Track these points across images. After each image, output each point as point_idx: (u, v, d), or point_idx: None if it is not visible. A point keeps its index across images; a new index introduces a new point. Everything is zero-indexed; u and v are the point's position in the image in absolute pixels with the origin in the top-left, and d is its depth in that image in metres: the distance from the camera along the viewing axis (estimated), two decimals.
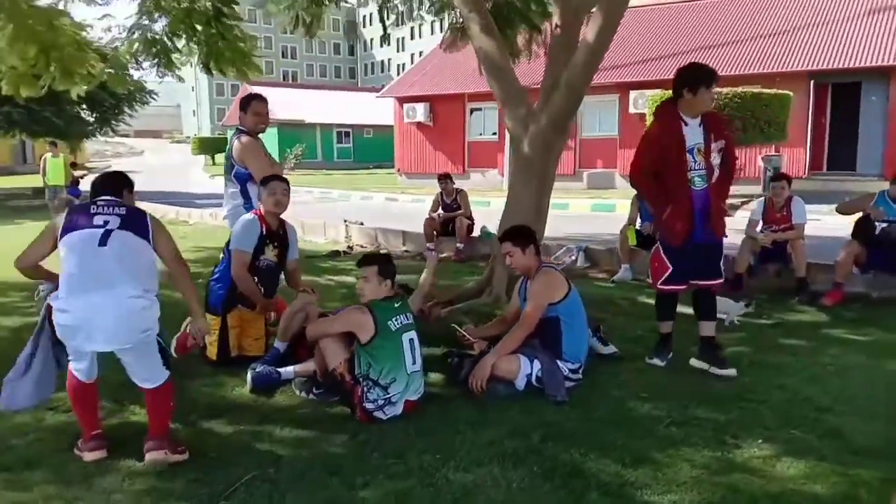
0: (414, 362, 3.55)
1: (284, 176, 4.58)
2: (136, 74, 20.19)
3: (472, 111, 21.30)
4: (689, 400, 3.77)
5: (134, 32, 8.73)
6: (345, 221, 9.95)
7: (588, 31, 4.57)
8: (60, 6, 9.84)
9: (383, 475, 2.98)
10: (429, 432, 3.38)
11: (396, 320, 3.51)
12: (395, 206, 17.08)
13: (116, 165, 47.79)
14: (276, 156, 30.75)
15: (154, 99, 20.90)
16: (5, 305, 6.29)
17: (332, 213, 13.50)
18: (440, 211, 8.74)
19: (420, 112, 21.41)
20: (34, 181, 19.90)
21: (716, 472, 3.00)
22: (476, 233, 8.64)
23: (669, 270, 4.22)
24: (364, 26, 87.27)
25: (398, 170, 23.32)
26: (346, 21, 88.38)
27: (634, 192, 7.25)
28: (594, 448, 3.19)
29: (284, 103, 39.98)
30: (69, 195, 16.75)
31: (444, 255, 8.05)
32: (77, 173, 19.80)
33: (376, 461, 3.11)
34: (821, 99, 16.64)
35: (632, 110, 17.62)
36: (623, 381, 4.09)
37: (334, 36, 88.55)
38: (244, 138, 5.06)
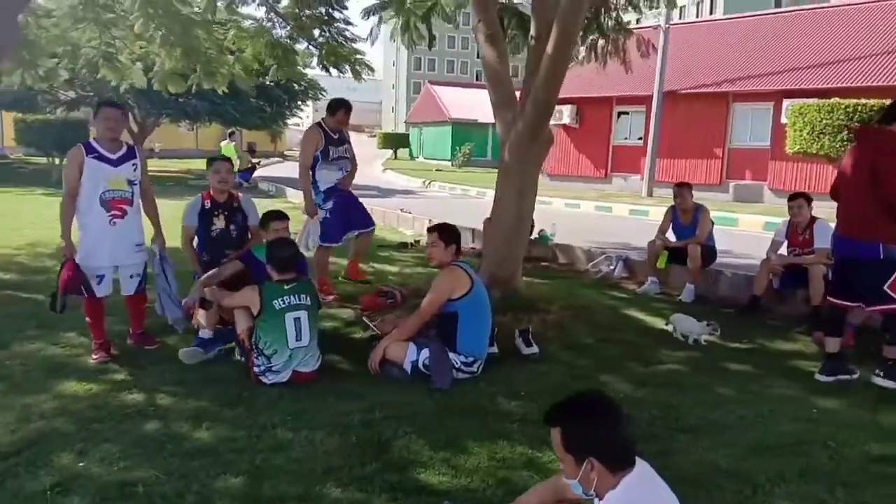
0: (298, 339, 4.02)
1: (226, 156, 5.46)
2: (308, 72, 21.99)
3: (619, 115, 20.90)
4: None
5: (260, 37, 9.95)
6: (400, 210, 10.62)
7: (549, 46, 4.71)
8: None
9: (230, 424, 3.54)
10: (298, 398, 3.86)
11: (283, 300, 4.02)
12: None
13: None
14: (446, 153, 31.98)
15: (323, 95, 22.96)
16: None
17: (448, 210, 14.17)
18: None
19: (566, 114, 21.37)
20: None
21: (507, 466, 3.16)
22: (534, 235, 8.81)
23: None
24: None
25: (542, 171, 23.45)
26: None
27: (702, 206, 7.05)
28: (422, 429, 3.48)
29: (459, 103, 41.50)
30: (239, 179, 19.02)
31: None
32: (254, 160, 22.36)
33: (235, 413, 3.67)
34: None
35: (784, 120, 16.33)
36: (519, 378, 4.26)
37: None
38: (309, 128, 6.18)
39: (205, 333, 4.52)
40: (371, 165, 37.75)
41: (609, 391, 4.13)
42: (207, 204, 5.24)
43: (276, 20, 9.96)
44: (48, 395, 3.86)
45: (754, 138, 17.79)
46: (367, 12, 9.66)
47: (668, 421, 3.73)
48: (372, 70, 12.41)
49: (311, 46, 10.32)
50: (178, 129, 36.35)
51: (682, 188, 6.83)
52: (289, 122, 33.35)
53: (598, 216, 15.24)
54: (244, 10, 10.50)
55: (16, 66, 9.20)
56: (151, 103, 19.17)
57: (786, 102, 16.06)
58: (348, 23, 10.25)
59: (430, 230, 4.49)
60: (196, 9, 10.31)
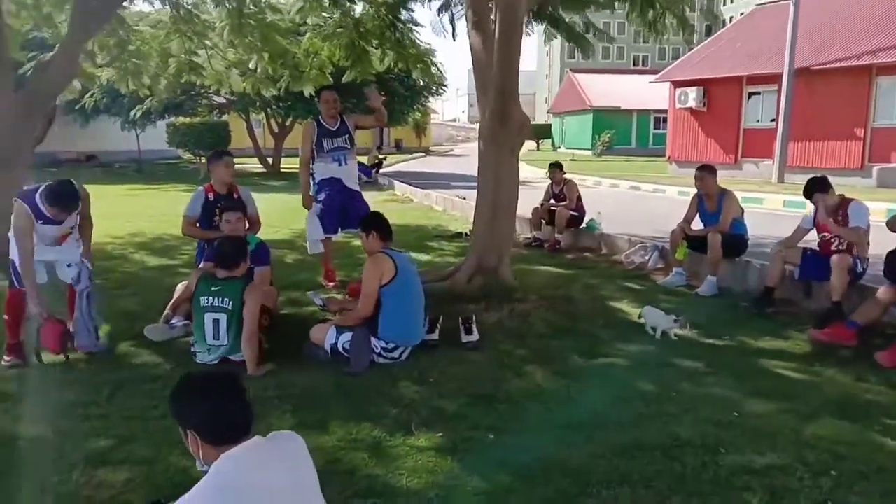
0: (216, 338, 4.21)
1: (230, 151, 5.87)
2: None
3: (749, 95, 19.33)
4: (469, 395, 3.80)
5: (335, 38, 10.42)
6: (456, 197, 10.69)
7: (496, 29, 4.62)
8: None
9: (143, 395, 3.87)
10: None
11: (207, 299, 4.23)
12: (629, 195, 16.71)
13: (458, 148, 53.83)
14: (587, 142, 31.95)
15: (444, 90, 23.42)
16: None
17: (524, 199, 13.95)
18: (552, 200, 8.78)
19: (692, 97, 20.15)
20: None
21: (350, 448, 3.19)
22: (583, 225, 8.54)
23: None
24: (724, 3, 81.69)
25: (669, 158, 22.25)
26: (706, 2, 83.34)
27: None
28: (302, 408, 3.61)
29: (600, 90, 40.36)
30: (359, 173, 19.95)
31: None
32: (380, 156, 23.33)
33: (152, 387, 3.99)
34: None
35: None
36: (439, 366, 4.22)
37: (690, 17, 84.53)
38: (305, 123, 6.39)
39: (177, 320, 4.92)
40: None
41: (524, 383, 4.05)
42: (210, 196, 5.65)
43: (349, 23, 10.35)
44: None
45: None
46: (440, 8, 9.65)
47: (559, 415, 3.56)
48: (441, 72, 12.51)
49: (384, 48, 10.57)
50: None
51: (703, 171, 6.32)
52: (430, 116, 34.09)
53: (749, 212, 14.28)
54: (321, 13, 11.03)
55: (123, 75, 10.38)
56: (283, 106, 20.63)
57: None
58: (416, 24, 10.40)
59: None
60: (281, 16, 11.00)
